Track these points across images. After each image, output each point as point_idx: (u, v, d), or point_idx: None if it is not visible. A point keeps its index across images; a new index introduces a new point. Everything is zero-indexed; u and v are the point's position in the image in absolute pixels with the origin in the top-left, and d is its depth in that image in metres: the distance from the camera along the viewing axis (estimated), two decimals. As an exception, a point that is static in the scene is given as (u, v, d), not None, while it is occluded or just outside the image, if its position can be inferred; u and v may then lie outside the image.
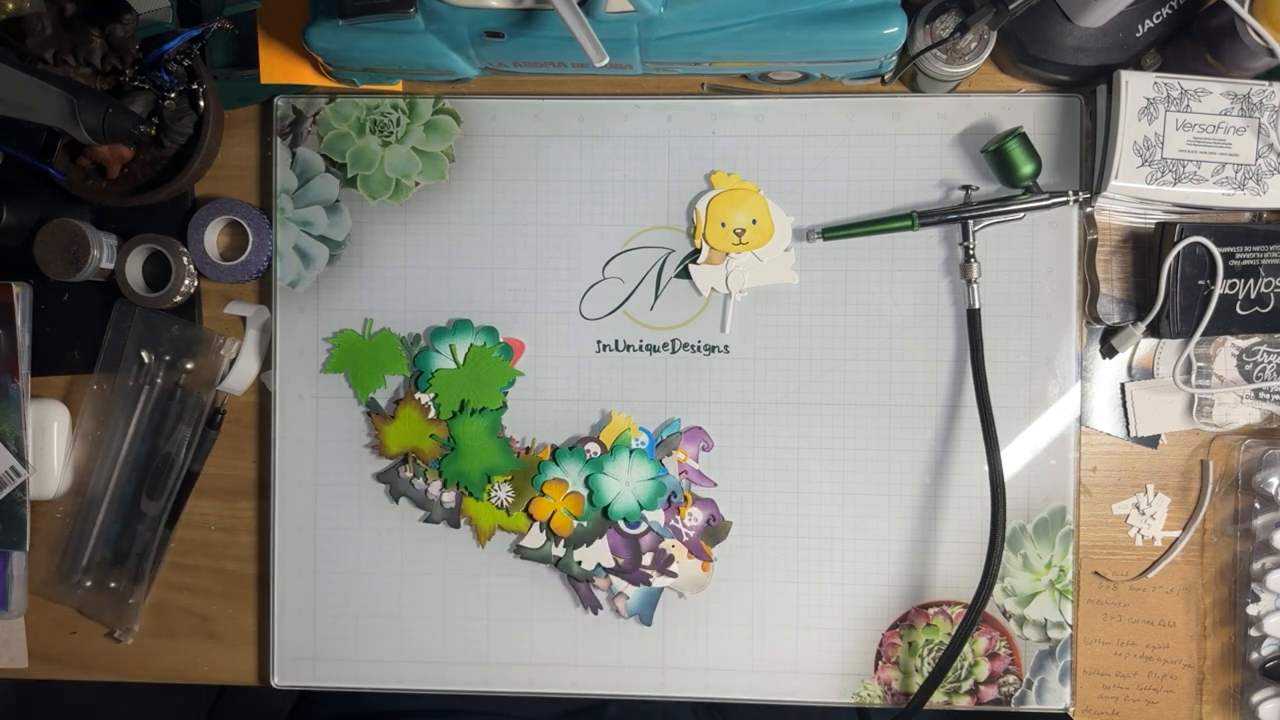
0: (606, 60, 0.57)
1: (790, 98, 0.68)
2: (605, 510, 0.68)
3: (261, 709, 0.64)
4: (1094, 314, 0.68)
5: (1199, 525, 0.69)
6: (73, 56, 0.66)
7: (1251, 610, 0.67)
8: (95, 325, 0.71)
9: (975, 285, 0.66)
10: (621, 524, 0.68)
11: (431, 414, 0.69)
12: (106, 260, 0.69)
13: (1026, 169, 0.64)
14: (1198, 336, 0.65)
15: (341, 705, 0.76)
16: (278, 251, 0.70)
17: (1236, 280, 0.65)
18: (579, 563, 0.68)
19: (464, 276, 0.70)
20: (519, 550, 0.69)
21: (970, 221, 0.66)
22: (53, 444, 0.70)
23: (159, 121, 0.67)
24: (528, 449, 0.69)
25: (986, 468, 0.64)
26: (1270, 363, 0.68)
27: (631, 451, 0.68)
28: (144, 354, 0.70)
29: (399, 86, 0.69)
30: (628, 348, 0.69)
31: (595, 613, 0.69)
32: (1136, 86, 0.63)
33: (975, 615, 0.64)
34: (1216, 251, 0.64)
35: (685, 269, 0.69)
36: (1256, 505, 0.67)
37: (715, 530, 0.69)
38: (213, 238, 0.71)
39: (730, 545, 0.69)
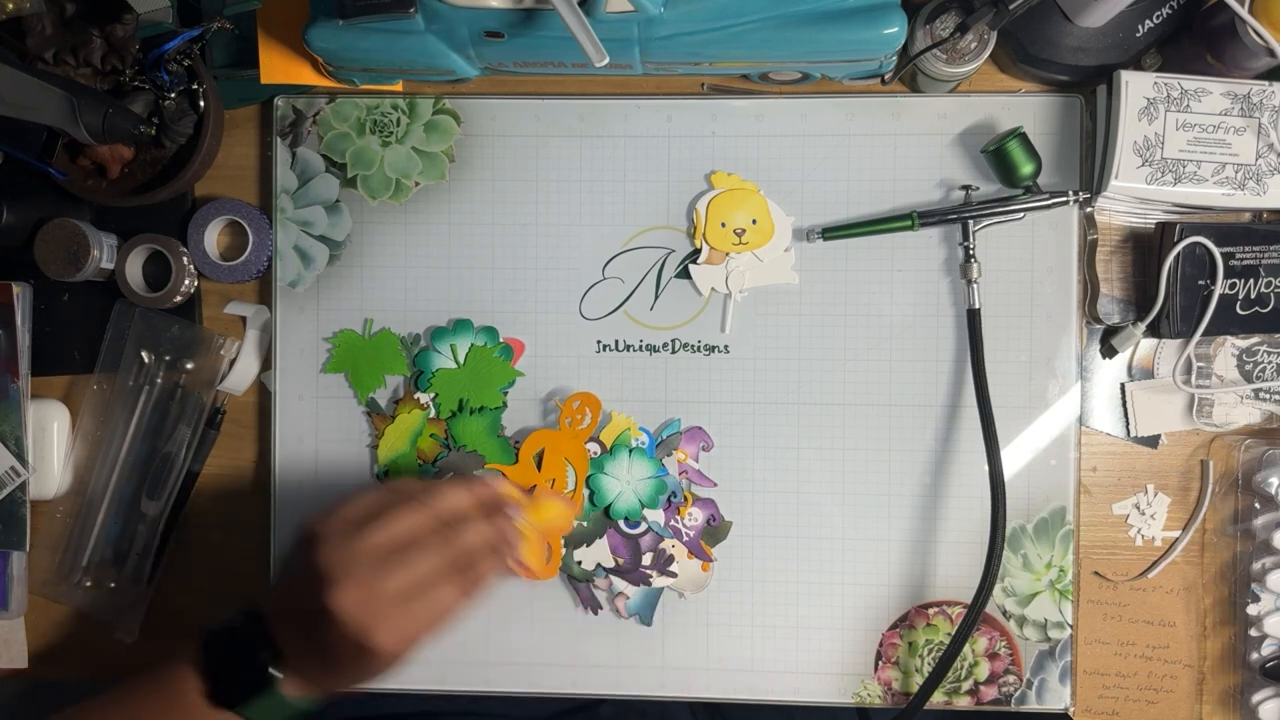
0: (606, 60, 0.57)
1: (790, 98, 0.68)
2: (606, 510, 0.68)
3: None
4: (1094, 314, 0.68)
5: (1199, 525, 0.69)
6: (73, 56, 0.66)
7: (1251, 610, 0.67)
8: (95, 325, 0.71)
9: (975, 285, 0.66)
10: (622, 524, 0.68)
11: (432, 413, 0.69)
12: (106, 260, 0.69)
13: (1026, 169, 0.64)
14: (1198, 336, 0.65)
15: (336, 705, 0.76)
16: (278, 251, 0.70)
17: (1236, 280, 0.65)
18: (579, 563, 0.68)
19: (464, 276, 0.70)
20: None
21: (970, 221, 0.66)
22: (53, 444, 0.70)
23: (159, 121, 0.67)
24: (528, 449, 0.69)
25: (986, 468, 0.64)
26: (1270, 363, 0.68)
27: (631, 451, 0.68)
28: (144, 354, 0.71)
29: (399, 86, 0.69)
30: (628, 348, 0.69)
31: (595, 613, 0.69)
32: (1136, 86, 0.63)
33: (975, 615, 0.64)
34: (1216, 251, 0.64)
35: (685, 269, 0.69)
36: (1256, 505, 0.67)
37: (715, 530, 0.69)
38: (213, 238, 0.71)
39: (730, 545, 0.69)
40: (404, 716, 0.74)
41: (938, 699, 0.67)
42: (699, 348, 0.69)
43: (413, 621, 0.55)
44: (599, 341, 0.69)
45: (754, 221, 0.68)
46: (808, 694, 0.69)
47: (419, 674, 0.70)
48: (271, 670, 0.56)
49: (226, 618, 0.58)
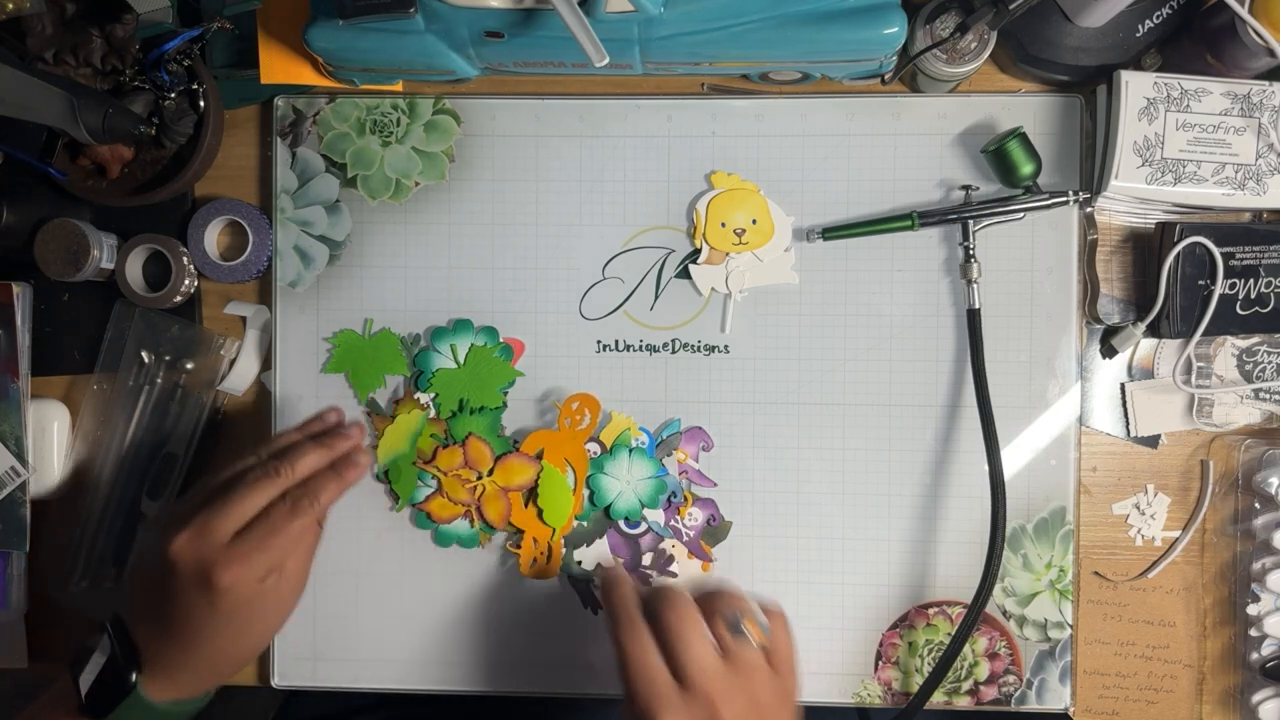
0: (606, 60, 0.57)
1: (790, 98, 0.68)
2: (606, 510, 0.68)
3: (251, 707, 0.64)
4: (1094, 314, 0.68)
5: (1199, 525, 0.69)
6: (73, 56, 0.66)
7: (1251, 610, 0.67)
8: (95, 325, 0.71)
9: (975, 285, 0.66)
10: (622, 524, 0.68)
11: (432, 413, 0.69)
12: (106, 260, 0.69)
13: (1026, 169, 0.64)
14: (1198, 336, 0.65)
15: (331, 704, 0.76)
16: (278, 251, 0.70)
17: (1236, 280, 0.65)
18: (579, 563, 0.68)
19: (464, 276, 0.70)
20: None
21: (970, 221, 0.66)
22: (53, 444, 0.70)
23: (159, 121, 0.67)
24: (528, 449, 0.69)
25: (986, 468, 0.64)
26: (1270, 363, 0.68)
27: (631, 451, 0.68)
28: (144, 354, 0.71)
29: (399, 86, 0.69)
30: (628, 348, 0.69)
31: (596, 613, 0.69)
32: (1136, 86, 0.63)
33: (975, 615, 0.64)
34: (1216, 251, 0.64)
35: (685, 269, 0.69)
36: (1256, 505, 0.67)
37: (715, 530, 0.69)
38: (213, 238, 0.71)
39: (730, 545, 0.69)
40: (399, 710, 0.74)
41: (938, 699, 0.67)
42: (699, 348, 0.69)
43: (250, 553, 0.55)
44: (599, 341, 0.69)
45: (754, 221, 0.68)
46: (808, 694, 0.69)
47: (418, 674, 0.70)
48: (132, 675, 0.56)
49: (97, 626, 0.58)
